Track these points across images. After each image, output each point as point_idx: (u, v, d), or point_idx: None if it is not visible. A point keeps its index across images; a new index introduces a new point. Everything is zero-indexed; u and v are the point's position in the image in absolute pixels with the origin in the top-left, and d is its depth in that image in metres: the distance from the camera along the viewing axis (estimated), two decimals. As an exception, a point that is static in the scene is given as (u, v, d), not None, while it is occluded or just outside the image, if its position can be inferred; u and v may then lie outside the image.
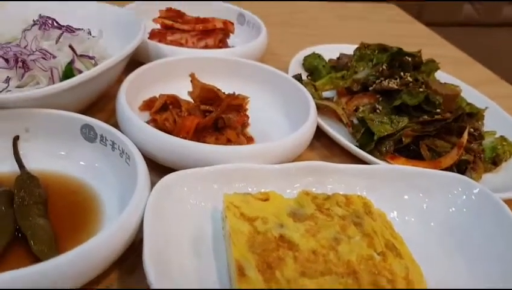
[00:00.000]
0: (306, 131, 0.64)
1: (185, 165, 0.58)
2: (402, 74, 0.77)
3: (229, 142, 0.65)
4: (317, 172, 0.59)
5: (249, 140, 0.69)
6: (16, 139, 0.59)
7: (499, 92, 0.99)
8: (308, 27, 1.22)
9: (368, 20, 1.31)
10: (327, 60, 0.92)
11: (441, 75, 0.89)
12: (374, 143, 0.67)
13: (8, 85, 0.63)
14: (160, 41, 0.87)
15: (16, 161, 0.58)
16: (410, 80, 0.74)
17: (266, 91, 0.77)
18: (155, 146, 0.59)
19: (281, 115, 0.75)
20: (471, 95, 0.86)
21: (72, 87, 0.60)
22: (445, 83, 0.83)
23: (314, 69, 0.89)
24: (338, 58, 0.91)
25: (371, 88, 0.77)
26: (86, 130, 0.59)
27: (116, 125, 0.62)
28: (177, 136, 0.64)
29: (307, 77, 0.90)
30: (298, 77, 0.76)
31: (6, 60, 0.65)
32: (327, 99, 0.79)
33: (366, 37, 1.16)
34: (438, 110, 0.69)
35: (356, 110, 0.77)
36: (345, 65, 0.87)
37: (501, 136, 0.75)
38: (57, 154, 0.60)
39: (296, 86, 0.73)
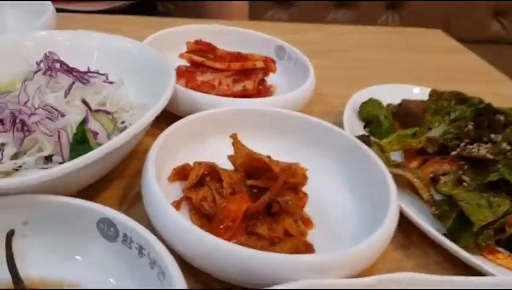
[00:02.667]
0: (389, 227, 0.49)
1: (231, 277, 0.44)
2: (492, 136, 0.62)
3: (287, 235, 0.50)
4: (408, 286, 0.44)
5: (307, 224, 0.54)
6: (10, 235, 0.44)
7: None
8: (350, 57, 1.07)
9: (415, 49, 1.16)
10: (385, 105, 0.77)
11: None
12: (473, 236, 0.52)
13: (2, 156, 0.48)
14: (188, 82, 0.73)
15: (8, 267, 0.43)
16: (508, 148, 0.59)
17: (322, 153, 0.62)
18: (192, 249, 0.44)
19: (341, 186, 0.60)
20: None
21: (88, 164, 0.45)
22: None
23: (373, 119, 0.74)
24: (400, 105, 0.76)
25: (454, 153, 0.62)
26: (103, 226, 0.44)
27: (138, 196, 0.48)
28: (219, 223, 0.49)
29: (364, 127, 0.75)
30: (366, 140, 0.61)
31: (1, 121, 0.50)
32: (395, 163, 0.64)
33: (419, 72, 1.02)
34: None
35: (434, 179, 0.62)
36: (411, 115, 0.72)
37: None
38: (65, 257, 0.45)
39: (365, 154, 0.58)
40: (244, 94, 0.72)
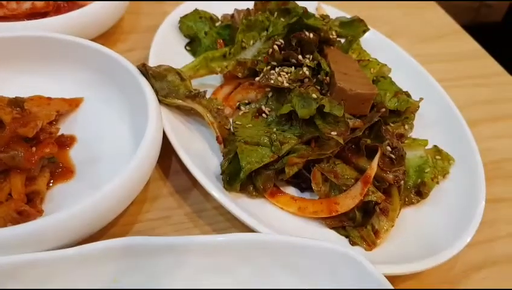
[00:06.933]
0: (133, 174, 0.42)
1: None
2: (301, 58, 0.53)
3: (10, 198, 0.43)
4: (138, 253, 0.38)
5: (66, 174, 0.47)
6: None
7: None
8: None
9: None
10: (220, 17, 0.67)
11: (371, 38, 0.66)
12: (239, 182, 0.46)
13: None
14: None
15: None
16: (307, 73, 0.51)
17: (100, 86, 0.54)
18: None
19: (120, 123, 0.52)
20: (408, 69, 0.65)
21: None
22: (368, 61, 0.59)
23: (194, 37, 0.64)
24: (232, 16, 0.66)
25: (258, 78, 0.54)
26: None
27: None
28: None
29: (185, 46, 0.65)
30: (142, 69, 0.51)
31: None
32: (193, 92, 0.54)
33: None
34: (333, 133, 0.46)
35: (240, 108, 0.55)
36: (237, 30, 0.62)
37: (434, 147, 0.54)
38: None
39: (137, 85, 0.50)
40: (37, 13, 0.61)
